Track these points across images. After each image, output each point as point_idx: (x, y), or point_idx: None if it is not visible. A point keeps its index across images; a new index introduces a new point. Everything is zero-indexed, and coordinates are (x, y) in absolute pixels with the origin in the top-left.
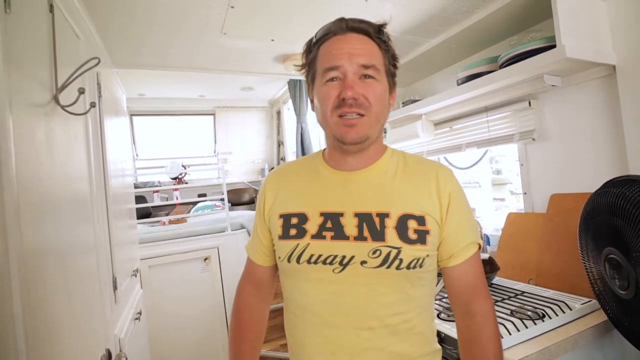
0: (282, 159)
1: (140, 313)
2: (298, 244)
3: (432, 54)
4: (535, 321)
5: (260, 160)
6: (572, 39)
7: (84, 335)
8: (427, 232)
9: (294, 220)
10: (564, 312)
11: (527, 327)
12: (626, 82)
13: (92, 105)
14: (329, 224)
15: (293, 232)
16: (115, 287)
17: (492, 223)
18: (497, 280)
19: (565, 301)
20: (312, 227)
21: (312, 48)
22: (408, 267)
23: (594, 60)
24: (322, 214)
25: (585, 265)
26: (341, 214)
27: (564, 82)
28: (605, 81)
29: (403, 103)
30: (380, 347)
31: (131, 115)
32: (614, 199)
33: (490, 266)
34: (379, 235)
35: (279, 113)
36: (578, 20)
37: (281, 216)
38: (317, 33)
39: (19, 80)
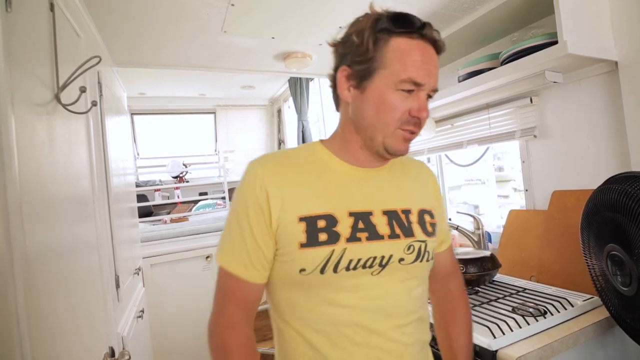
0: None
1: (142, 311)
2: (333, 250)
3: None
4: (537, 318)
5: None
6: (574, 35)
7: (87, 333)
8: (435, 224)
9: (321, 224)
10: (565, 309)
11: (528, 324)
12: (628, 78)
13: (94, 104)
14: (360, 225)
15: (323, 237)
16: (117, 286)
17: (495, 220)
18: (498, 277)
19: (567, 298)
20: (344, 229)
21: (379, 32)
22: (430, 259)
23: (596, 57)
24: (351, 214)
25: (587, 262)
26: (370, 213)
27: (566, 79)
28: (607, 77)
29: None
30: (418, 340)
31: (132, 114)
32: (616, 195)
33: (491, 263)
34: (408, 231)
35: (279, 111)
36: (580, 16)
37: (302, 219)
38: (390, 17)
39: (21, 79)
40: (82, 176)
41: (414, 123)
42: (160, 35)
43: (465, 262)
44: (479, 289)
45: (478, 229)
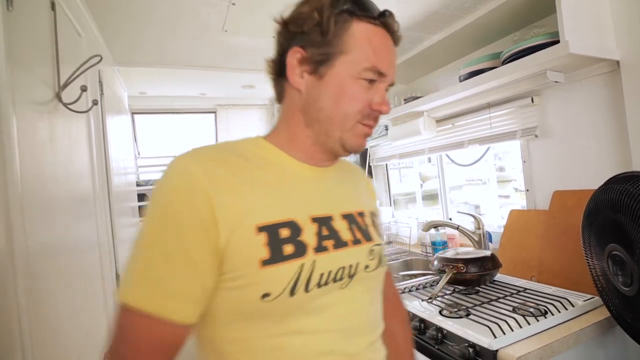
0: None
1: None
2: (303, 265)
3: (434, 51)
4: (538, 318)
5: None
6: (575, 34)
7: (88, 330)
8: (380, 225)
9: (285, 233)
10: (566, 309)
11: (529, 324)
12: (630, 78)
13: (95, 103)
14: (325, 231)
15: (289, 249)
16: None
17: (496, 220)
18: (499, 277)
19: (568, 298)
20: (310, 238)
21: (340, 13)
22: (386, 262)
23: (597, 56)
24: (314, 220)
25: (588, 262)
26: (331, 218)
27: (567, 79)
28: (608, 77)
29: (404, 100)
30: (385, 354)
31: (132, 113)
32: (617, 195)
33: (492, 263)
34: (367, 235)
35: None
36: (581, 15)
37: (262, 229)
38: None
39: (22, 78)
40: (83, 175)
41: (374, 117)
42: (161, 35)
43: (465, 261)
44: (479, 289)
45: (479, 228)
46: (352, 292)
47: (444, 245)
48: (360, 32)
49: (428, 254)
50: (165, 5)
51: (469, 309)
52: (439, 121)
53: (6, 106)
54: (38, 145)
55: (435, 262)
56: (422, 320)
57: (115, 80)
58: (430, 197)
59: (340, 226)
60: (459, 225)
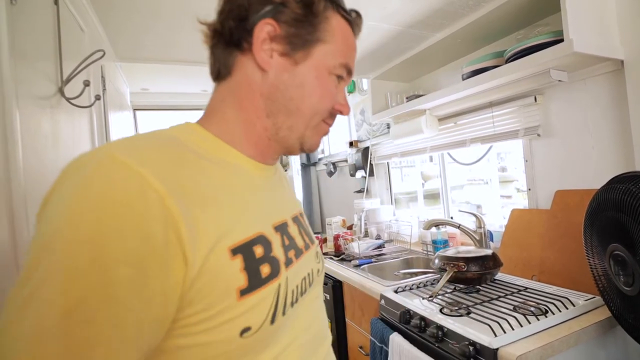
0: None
1: None
2: (279, 286)
3: (437, 49)
4: (538, 317)
5: None
6: (580, 33)
7: None
8: None
9: (259, 251)
10: (567, 308)
11: (529, 323)
12: (634, 77)
13: (97, 98)
14: (286, 241)
15: (266, 270)
16: None
17: (498, 220)
18: (500, 276)
19: (569, 297)
20: (278, 251)
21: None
22: None
23: (601, 55)
24: (276, 229)
25: (590, 262)
26: (286, 223)
27: (571, 78)
28: (612, 76)
29: (407, 98)
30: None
31: (134, 109)
32: (620, 195)
33: (493, 262)
34: (310, 237)
35: None
36: (586, 14)
37: (236, 251)
38: None
39: (25, 73)
40: None
41: (334, 117)
42: (165, 31)
43: (466, 260)
44: (480, 288)
45: (480, 227)
46: (309, 300)
47: (445, 244)
48: (338, 25)
49: (429, 253)
50: (169, 0)
51: (470, 308)
52: (441, 120)
53: (10, 100)
54: (41, 139)
55: (436, 261)
56: (422, 319)
57: (118, 76)
58: (432, 197)
59: (294, 231)
60: (460, 224)
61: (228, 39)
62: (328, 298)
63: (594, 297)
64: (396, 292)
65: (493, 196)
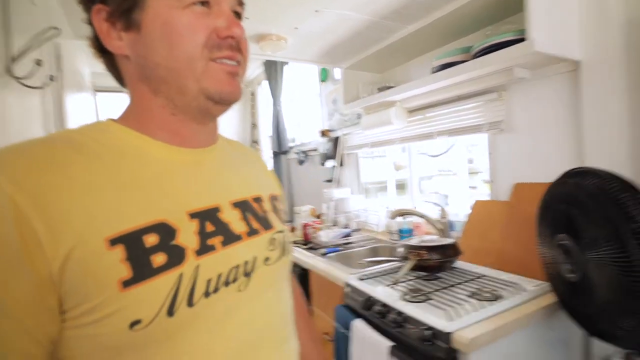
0: (254, 142)
1: None
2: (182, 275)
3: (409, 41)
4: (492, 302)
5: None
6: (541, 33)
7: None
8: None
9: (152, 239)
10: (518, 294)
11: (483, 308)
12: (588, 78)
13: (51, 78)
14: (209, 227)
15: (160, 259)
16: None
17: (465, 210)
18: (460, 264)
19: (520, 283)
20: (189, 239)
21: None
22: (291, 251)
23: (560, 55)
24: (193, 216)
25: (541, 251)
26: (217, 209)
27: (533, 75)
28: (570, 76)
29: (378, 89)
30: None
31: (96, 91)
32: (569, 188)
33: (453, 250)
34: (266, 222)
35: (253, 94)
36: (548, 16)
37: (116, 241)
38: None
39: None
40: None
41: (229, 47)
42: None
43: (428, 249)
44: (440, 275)
45: (444, 218)
46: (254, 292)
47: (410, 233)
48: None
49: (395, 241)
50: None
51: (429, 294)
52: (412, 112)
53: None
54: None
55: (400, 249)
56: (384, 305)
57: (77, 55)
58: (403, 187)
59: (231, 217)
60: (423, 214)
61: (100, 47)
62: None
63: (543, 283)
64: (361, 279)
65: (461, 187)
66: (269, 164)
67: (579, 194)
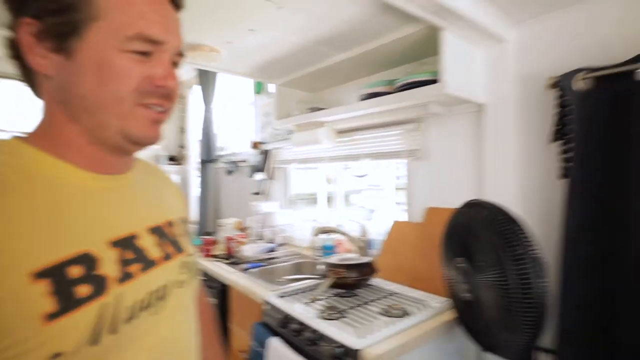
0: (181, 147)
1: None
2: (104, 305)
3: (340, 67)
4: (400, 318)
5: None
6: (452, 77)
7: None
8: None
9: (76, 271)
10: (424, 310)
11: (392, 324)
12: (489, 119)
13: None
14: (129, 255)
15: (84, 290)
16: None
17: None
18: (376, 282)
19: (427, 300)
20: (110, 268)
21: None
22: (199, 273)
23: (467, 98)
24: (114, 244)
25: (444, 271)
26: (134, 236)
27: (446, 111)
28: (476, 115)
29: (310, 109)
30: None
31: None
32: (465, 217)
33: (369, 269)
34: (178, 246)
35: (183, 97)
36: (458, 62)
37: (41, 275)
38: None
39: None
40: None
41: (161, 96)
42: None
43: (347, 267)
44: (356, 292)
45: (364, 236)
46: (167, 314)
47: (333, 249)
48: None
49: (318, 257)
50: None
51: (344, 312)
52: (341, 133)
53: None
54: None
55: (321, 267)
56: (300, 323)
57: None
58: (333, 199)
59: (148, 243)
60: (345, 232)
61: (12, 54)
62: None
63: (447, 300)
64: (281, 297)
65: (388, 202)
66: (196, 172)
67: (473, 223)
